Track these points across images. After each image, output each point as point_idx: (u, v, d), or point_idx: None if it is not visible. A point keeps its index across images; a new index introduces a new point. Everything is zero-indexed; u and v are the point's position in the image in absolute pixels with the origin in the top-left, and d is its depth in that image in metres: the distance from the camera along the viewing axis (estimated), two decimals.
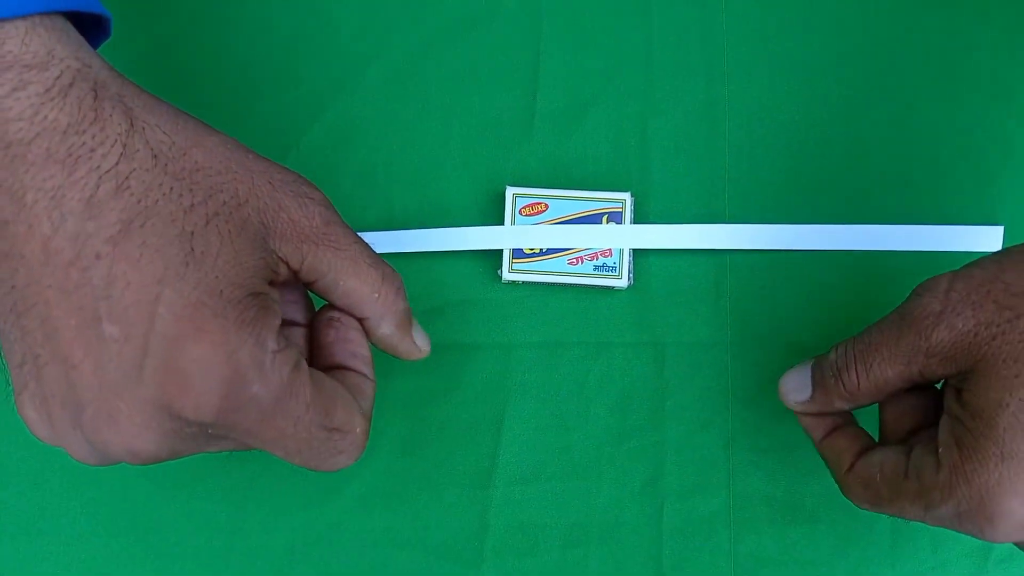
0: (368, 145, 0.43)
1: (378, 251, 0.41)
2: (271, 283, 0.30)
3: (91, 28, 0.31)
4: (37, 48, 0.27)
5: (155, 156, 0.28)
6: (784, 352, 0.42)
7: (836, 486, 0.36)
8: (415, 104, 0.43)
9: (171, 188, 0.28)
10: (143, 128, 0.29)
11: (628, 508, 0.42)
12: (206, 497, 0.42)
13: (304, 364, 0.30)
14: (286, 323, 0.33)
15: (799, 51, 0.42)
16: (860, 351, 0.34)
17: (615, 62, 0.43)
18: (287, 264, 0.31)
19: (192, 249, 0.28)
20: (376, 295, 0.33)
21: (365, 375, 0.33)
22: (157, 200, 0.28)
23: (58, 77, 0.28)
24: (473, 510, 0.42)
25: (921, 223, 0.42)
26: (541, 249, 0.41)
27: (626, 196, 0.41)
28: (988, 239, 0.41)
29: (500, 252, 0.41)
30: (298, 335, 0.34)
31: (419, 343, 0.36)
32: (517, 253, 0.41)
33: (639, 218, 0.42)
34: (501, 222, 0.42)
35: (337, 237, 0.32)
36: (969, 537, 0.36)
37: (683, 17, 0.42)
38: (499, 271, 0.41)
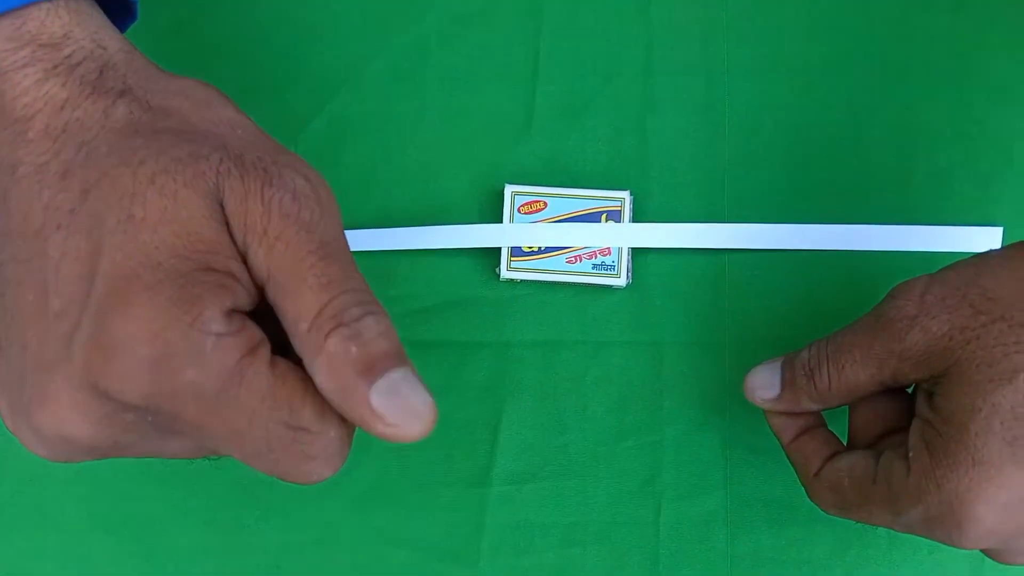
0: (367, 143, 0.43)
1: (375, 248, 0.42)
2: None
3: (120, 11, 0.32)
4: (55, 29, 0.28)
5: (132, 122, 0.27)
6: (783, 351, 0.42)
7: None
8: (414, 102, 0.43)
9: (134, 150, 0.26)
10: (132, 98, 0.28)
11: (625, 508, 0.42)
12: (201, 495, 0.42)
13: (264, 351, 0.26)
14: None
15: (799, 51, 0.42)
16: (832, 352, 0.34)
17: (615, 60, 0.42)
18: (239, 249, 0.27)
19: (131, 214, 0.25)
20: (305, 326, 0.26)
21: None
22: (116, 164, 0.26)
23: (68, 56, 0.28)
24: (470, 509, 0.42)
25: (920, 223, 0.42)
26: (539, 247, 0.41)
27: (625, 195, 0.41)
28: (987, 240, 0.41)
29: (498, 250, 0.41)
30: None
31: (379, 409, 0.26)
32: (515, 251, 0.41)
33: (638, 217, 0.42)
34: (499, 220, 0.41)
35: (289, 238, 0.26)
36: None
37: (683, 15, 0.42)
38: (497, 269, 0.41)
